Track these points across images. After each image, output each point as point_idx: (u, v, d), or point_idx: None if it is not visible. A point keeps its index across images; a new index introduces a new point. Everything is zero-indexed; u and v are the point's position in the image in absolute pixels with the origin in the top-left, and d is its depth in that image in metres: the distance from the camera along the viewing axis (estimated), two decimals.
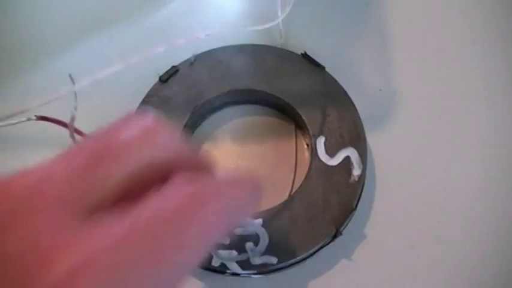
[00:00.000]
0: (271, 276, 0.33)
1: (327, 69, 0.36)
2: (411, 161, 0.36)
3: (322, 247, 0.32)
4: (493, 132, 0.36)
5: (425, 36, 0.40)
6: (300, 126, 0.36)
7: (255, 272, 0.31)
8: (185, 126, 0.34)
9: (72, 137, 0.31)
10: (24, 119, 0.31)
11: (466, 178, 0.35)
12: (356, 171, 0.33)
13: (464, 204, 0.34)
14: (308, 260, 0.33)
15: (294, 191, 0.33)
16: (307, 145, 0.35)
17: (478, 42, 0.40)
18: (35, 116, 0.31)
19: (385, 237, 0.34)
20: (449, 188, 0.35)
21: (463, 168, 0.35)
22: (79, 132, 0.33)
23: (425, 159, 0.36)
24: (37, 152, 0.36)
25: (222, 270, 0.31)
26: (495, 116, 0.37)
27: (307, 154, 0.35)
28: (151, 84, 0.36)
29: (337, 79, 0.35)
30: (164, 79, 0.35)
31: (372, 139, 0.35)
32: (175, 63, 0.36)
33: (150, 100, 0.35)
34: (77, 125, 0.31)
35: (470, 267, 0.33)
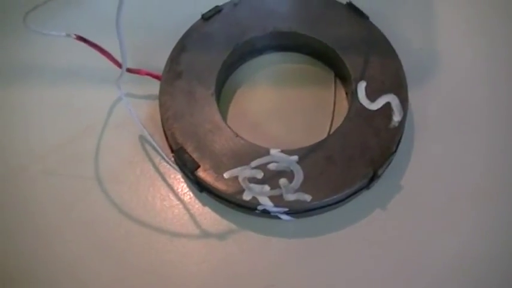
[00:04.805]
0: (301, 219, 0.32)
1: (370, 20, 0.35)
2: (448, 119, 0.35)
3: (358, 190, 0.31)
4: None
5: (470, 6, 0.39)
6: (340, 74, 0.35)
7: (287, 209, 0.30)
8: (224, 63, 0.34)
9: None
10: (63, 34, 0.29)
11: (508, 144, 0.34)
12: (396, 117, 0.32)
13: (505, 165, 0.33)
14: (340, 207, 0.32)
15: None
16: (346, 94, 0.35)
17: None
18: (74, 35, 0.30)
19: (420, 191, 0.33)
20: (486, 150, 0.34)
21: (505, 133, 0.34)
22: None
23: (462, 118, 0.35)
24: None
25: (252, 205, 0.30)
26: None
27: (345, 103, 0.35)
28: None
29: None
30: (206, 17, 0.35)
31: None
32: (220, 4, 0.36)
33: (190, 35, 0.34)
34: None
35: (505, 231, 0.32)
